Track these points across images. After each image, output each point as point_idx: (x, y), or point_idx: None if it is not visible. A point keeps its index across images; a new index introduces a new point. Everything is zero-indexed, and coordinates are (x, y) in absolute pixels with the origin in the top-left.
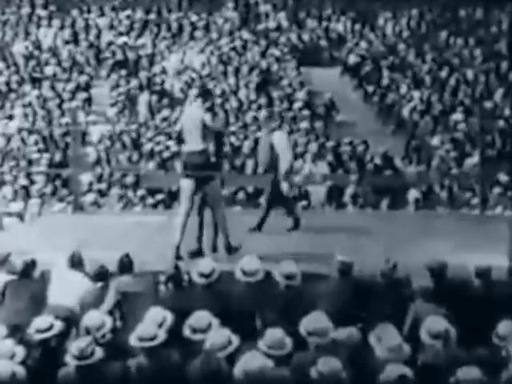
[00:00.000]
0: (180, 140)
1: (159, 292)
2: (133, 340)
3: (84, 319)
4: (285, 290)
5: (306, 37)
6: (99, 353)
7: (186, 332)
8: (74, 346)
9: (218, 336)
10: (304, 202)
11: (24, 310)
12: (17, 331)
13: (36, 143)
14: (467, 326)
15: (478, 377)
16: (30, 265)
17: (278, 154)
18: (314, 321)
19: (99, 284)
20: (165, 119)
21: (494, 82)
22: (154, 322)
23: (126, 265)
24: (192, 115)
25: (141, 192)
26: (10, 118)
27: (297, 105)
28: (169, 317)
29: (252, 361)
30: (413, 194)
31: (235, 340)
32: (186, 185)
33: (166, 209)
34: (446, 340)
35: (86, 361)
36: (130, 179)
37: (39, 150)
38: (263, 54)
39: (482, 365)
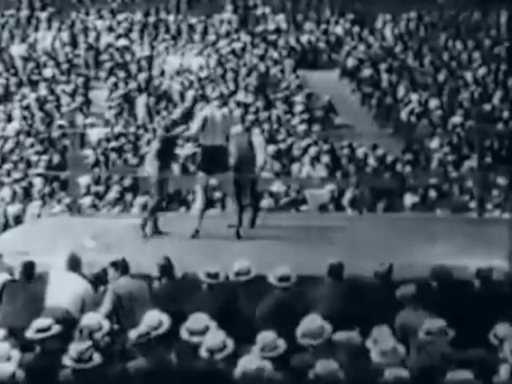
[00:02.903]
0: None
1: (157, 294)
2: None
3: (82, 321)
4: (280, 293)
5: (304, 39)
6: (97, 358)
7: (184, 334)
8: (73, 348)
9: (213, 339)
10: (304, 206)
11: (22, 311)
12: (14, 333)
13: (34, 145)
14: (466, 328)
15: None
16: (29, 266)
17: (256, 152)
18: (308, 323)
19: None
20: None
21: (493, 85)
22: (150, 326)
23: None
24: (216, 113)
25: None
26: (9, 120)
27: (295, 108)
28: (165, 320)
29: (250, 363)
30: (410, 198)
31: (230, 343)
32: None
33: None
34: (442, 335)
35: (84, 364)
36: (127, 182)
37: (37, 152)
38: (262, 57)
39: (478, 366)
